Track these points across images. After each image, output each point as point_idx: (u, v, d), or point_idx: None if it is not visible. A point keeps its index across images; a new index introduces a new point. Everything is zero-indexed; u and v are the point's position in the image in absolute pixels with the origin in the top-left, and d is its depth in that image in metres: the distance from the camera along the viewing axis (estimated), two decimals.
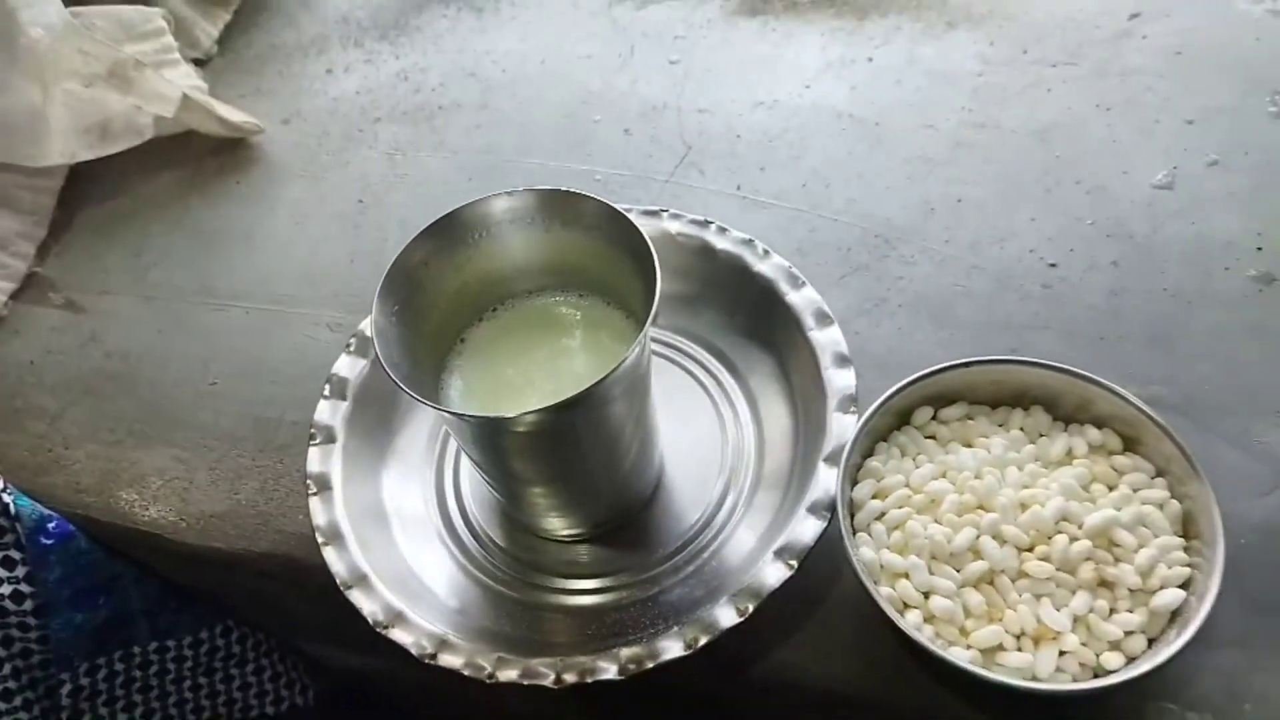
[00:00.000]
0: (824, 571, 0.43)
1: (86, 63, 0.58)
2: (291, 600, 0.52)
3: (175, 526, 0.50)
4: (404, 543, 0.46)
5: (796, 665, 0.42)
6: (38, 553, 0.50)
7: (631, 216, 0.39)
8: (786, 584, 0.41)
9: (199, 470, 0.52)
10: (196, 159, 0.66)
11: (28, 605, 0.51)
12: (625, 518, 0.47)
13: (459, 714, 0.63)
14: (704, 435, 0.49)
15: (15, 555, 0.51)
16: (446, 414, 0.37)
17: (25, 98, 0.61)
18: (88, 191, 0.65)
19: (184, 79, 0.64)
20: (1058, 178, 0.56)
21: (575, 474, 0.42)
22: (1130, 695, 0.39)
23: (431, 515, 0.48)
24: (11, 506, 0.50)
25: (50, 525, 0.51)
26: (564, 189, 0.41)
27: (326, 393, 0.49)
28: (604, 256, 0.42)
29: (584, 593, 0.45)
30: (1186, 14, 0.63)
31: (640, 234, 0.39)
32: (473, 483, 0.49)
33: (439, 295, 0.42)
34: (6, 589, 0.50)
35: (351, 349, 0.50)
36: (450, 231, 0.41)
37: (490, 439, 0.39)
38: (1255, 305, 0.50)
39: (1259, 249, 0.52)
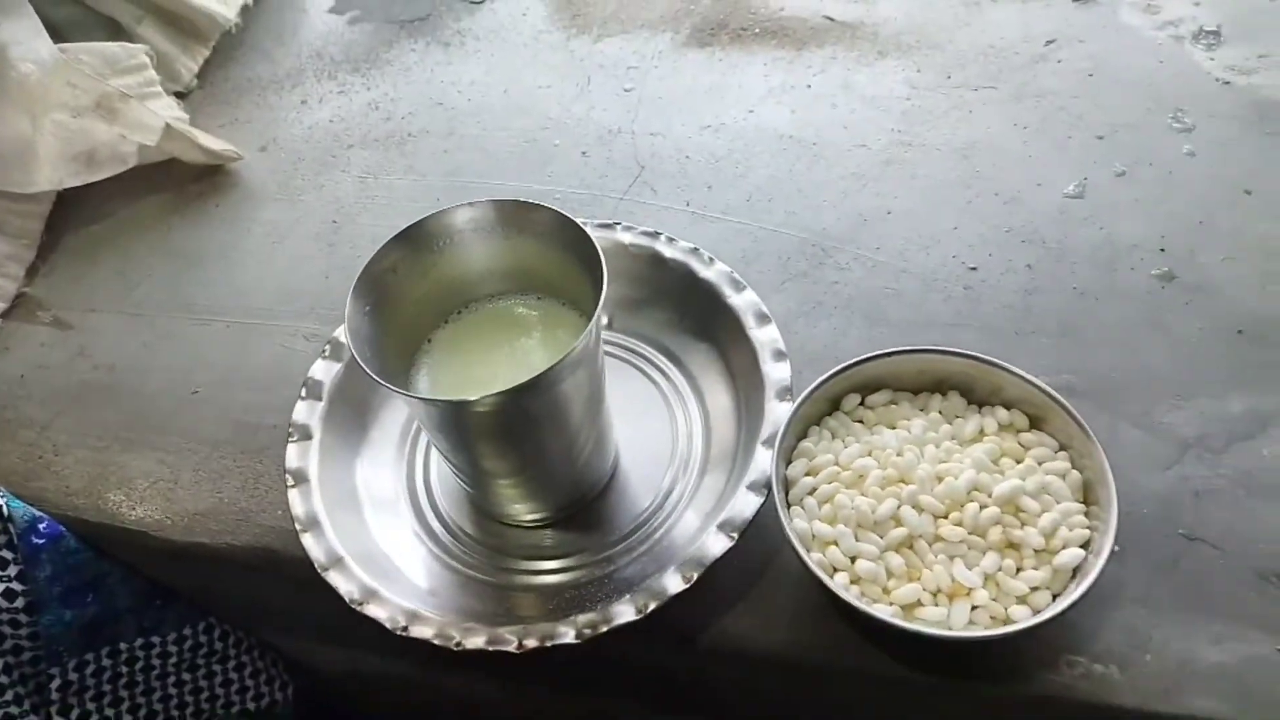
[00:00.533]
0: (764, 548, 0.47)
1: (75, 95, 0.62)
2: (271, 591, 0.55)
3: (161, 525, 0.53)
4: (377, 531, 0.50)
5: (740, 633, 0.46)
6: (29, 552, 0.53)
7: (585, 226, 0.44)
8: (729, 557, 0.45)
9: (183, 472, 0.55)
10: (178, 184, 0.70)
11: (19, 603, 0.54)
12: (583, 504, 0.50)
13: (428, 706, 0.66)
14: (655, 427, 0.53)
15: (7, 555, 0.53)
16: (415, 400, 0.41)
17: (14, 128, 0.64)
18: (73, 215, 0.69)
19: (166, 110, 0.68)
20: (978, 190, 0.61)
21: (535, 460, 0.46)
22: (1043, 649, 0.44)
23: (403, 507, 0.51)
24: (4, 508, 0.53)
25: (41, 525, 0.54)
26: (520, 200, 0.46)
27: (303, 394, 0.52)
28: (558, 261, 0.46)
29: (546, 573, 0.49)
30: (1097, 40, 0.69)
31: (588, 237, 0.43)
32: (442, 476, 0.52)
33: (407, 299, 0.46)
34: (0, 586, 0.53)
35: (326, 354, 0.54)
36: (417, 239, 0.45)
37: (455, 424, 0.43)
38: (1157, 301, 0.55)
39: (1162, 250, 0.57)
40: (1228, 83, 0.65)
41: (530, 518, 0.50)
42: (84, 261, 0.67)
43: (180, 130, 0.66)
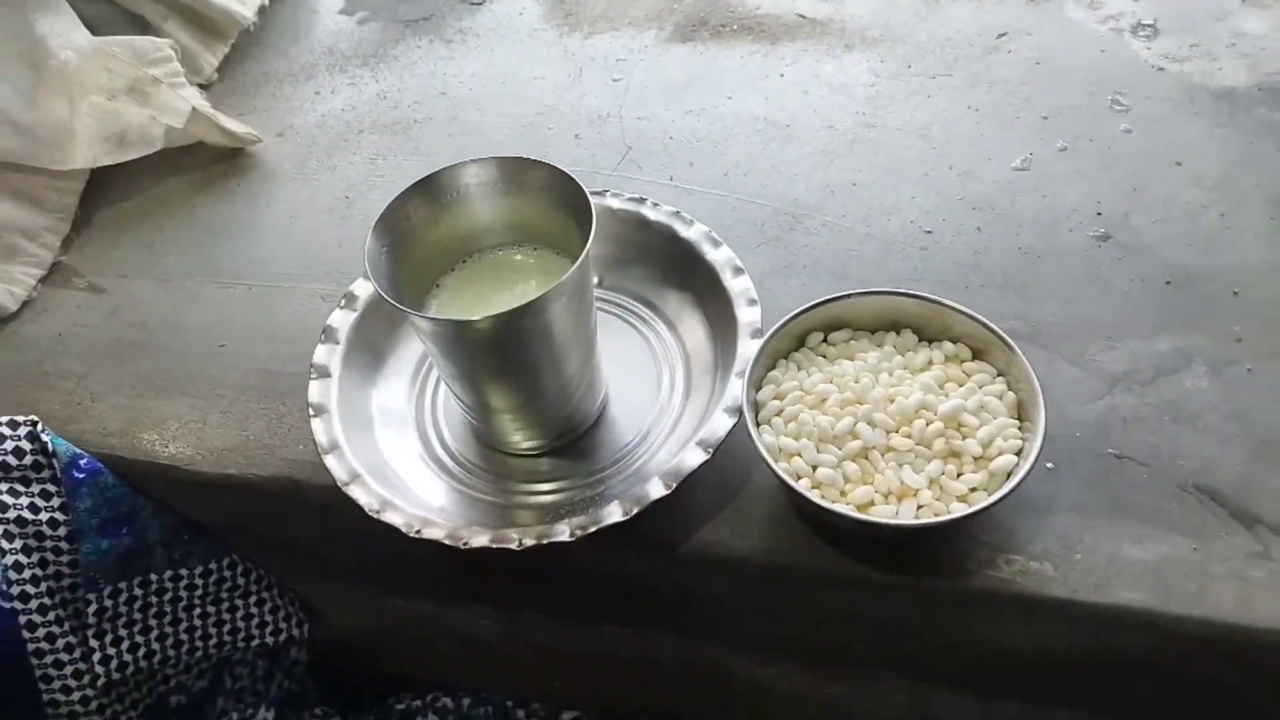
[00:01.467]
0: (738, 468, 0.53)
1: (110, 79, 0.68)
2: (292, 523, 0.60)
3: (192, 459, 0.59)
4: (390, 457, 0.55)
5: (716, 540, 0.51)
6: (70, 485, 0.59)
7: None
8: (706, 472, 0.50)
9: (211, 414, 0.60)
10: (202, 166, 0.76)
11: (61, 531, 0.59)
12: (576, 435, 0.56)
13: (431, 643, 0.72)
14: (641, 370, 0.58)
15: (51, 488, 0.59)
16: (425, 320, 0.46)
17: (52, 112, 0.70)
18: (105, 193, 0.75)
19: (191, 98, 0.74)
20: (934, 165, 0.67)
21: (531, 389, 0.51)
22: (984, 550, 0.49)
23: (414, 437, 0.57)
24: (49, 445, 0.58)
25: (82, 461, 0.59)
26: (521, 157, 0.52)
27: (322, 340, 0.58)
28: (553, 216, 0.52)
29: (543, 493, 0.54)
30: (1045, 33, 0.75)
31: (580, 188, 0.49)
32: (448, 411, 0.58)
33: (419, 245, 0.52)
34: (44, 516, 0.58)
35: (343, 305, 0.59)
36: (430, 189, 0.51)
37: (458, 346, 0.48)
38: (1094, 257, 0.61)
39: (1099, 214, 0.63)
40: (1162, 69, 0.71)
41: (528, 445, 0.55)
42: (115, 234, 0.72)
43: (205, 113, 0.72)
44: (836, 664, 0.60)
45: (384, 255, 0.49)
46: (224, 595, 0.66)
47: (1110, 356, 0.56)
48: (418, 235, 0.51)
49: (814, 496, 0.47)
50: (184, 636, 0.65)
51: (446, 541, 0.49)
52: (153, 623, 0.63)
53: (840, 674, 0.61)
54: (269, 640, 0.68)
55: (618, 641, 0.65)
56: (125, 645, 0.62)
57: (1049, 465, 0.52)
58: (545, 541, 0.48)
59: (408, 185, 0.50)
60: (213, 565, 0.64)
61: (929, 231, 0.64)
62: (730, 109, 0.74)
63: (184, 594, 0.64)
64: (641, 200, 0.62)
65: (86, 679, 0.60)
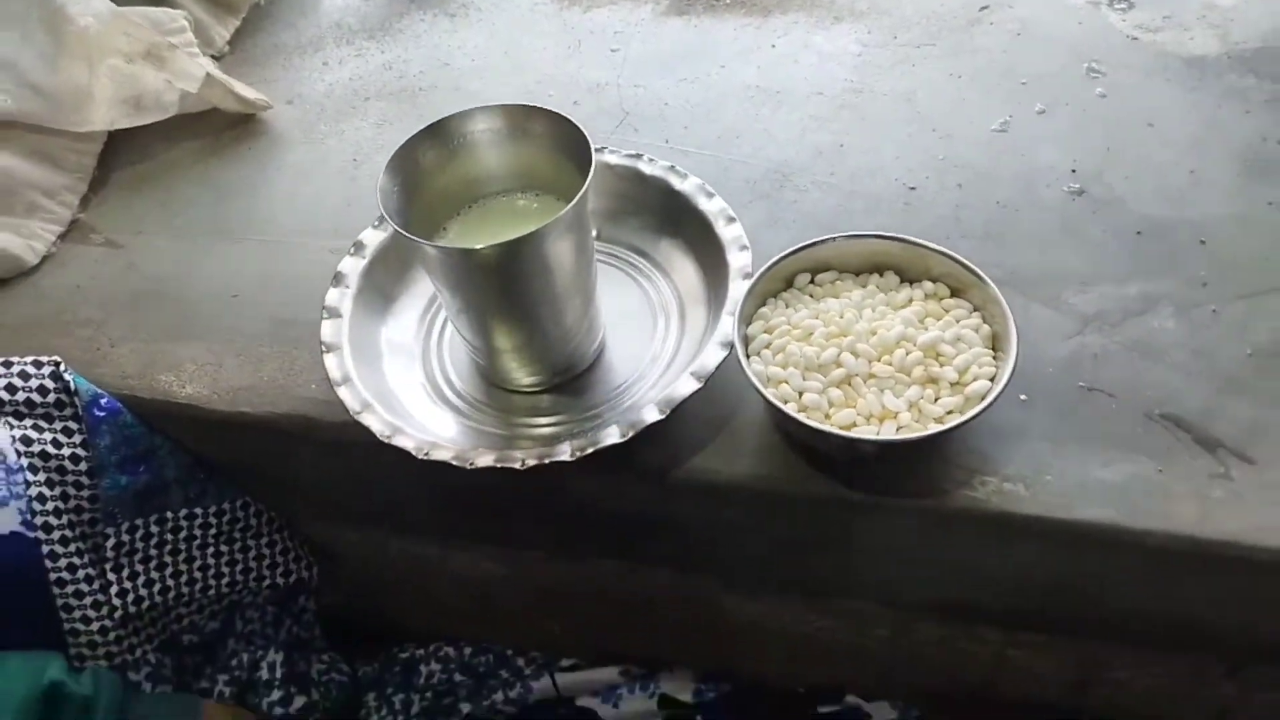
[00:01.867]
0: (728, 401, 0.56)
1: (129, 43, 0.71)
2: (303, 462, 0.63)
3: (208, 399, 0.61)
4: (398, 391, 0.58)
5: (708, 468, 0.54)
6: (92, 423, 0.61)
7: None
8: (698, 404, 0.53)
9: (226, 357, 0.63)
10: (214, 132, 0.78)
11: (83, 466, 0.61)
12: (575, 373, 0.59)
13: (436, 587, 0.74)
14: (637, 315, 0.61)
15: (73, 425, 0.61)
16: (433, 249, 0.49)
17: (72, 76, 0.73)
18: (121, 157, 0.77)
19: (205, 65, 0.77)
20: (918, 127, 0.71)
21: (532, 320, 0.54)
22: (960, 473, 0.52)
23: (421, 377, 0.60)
24: (72, 384, 0.61)
25: (102, 400, 0.62)
26: (525, 104, 0.55)
27: (334, 284, 0.61)
28: (555, 162, 0.55)
29: (544, 425, 0.57)
30: (1026, 6, 0.79)
31: (580, 131, 0.52)
32: (453, 350, 0.61)
33: (428, 189, 0.55)
34: (66, 451, 0.61)
35: (352, 252, 0.62)
36: (439, 133, 0.54)
37: (463, 276, 0.51)
38: (1069, 211, 0.64)
39: (1073, 171, 0.66)
40: (1136, 39, 0.74)
41: (529, 382, 0.58)
42: (131, 194, 0.75)
43: (218, 78, 0.75)
44: (822, 595, 0.63)
45: (395, 193, 0.52)
46: (236, 535, 0.68)
47: (1082, 299, 0.59)
48: (427, 179, 0.54)
49: (801, 418, 0.49)
50: (197, 574, 0.67)
51: (454, 462, 0.51)
52: (168, 559, 0.66)
53: (826, 607, 0.64)
54: (279, 581, 0.71)
55: (614, 579, 0.68)
56: (141, 580, 0.64)
57: (1022, 397, 0.55)
58: (547, 461, 0.51)
59: (420, 129, 0.53)
60: (226, 505, 0.67)
61: (912, 188, 0.67)
62: (724, 78, 0.77)
63: (198, 532, 0.66)
64: (638, 156, 0.65)
65: (104, 610, 0.63)
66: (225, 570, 0.68)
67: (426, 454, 0.52)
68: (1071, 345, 0.57)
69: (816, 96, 0.74)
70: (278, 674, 0.73)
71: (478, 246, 0.48)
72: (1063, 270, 0.60)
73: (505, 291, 0.52)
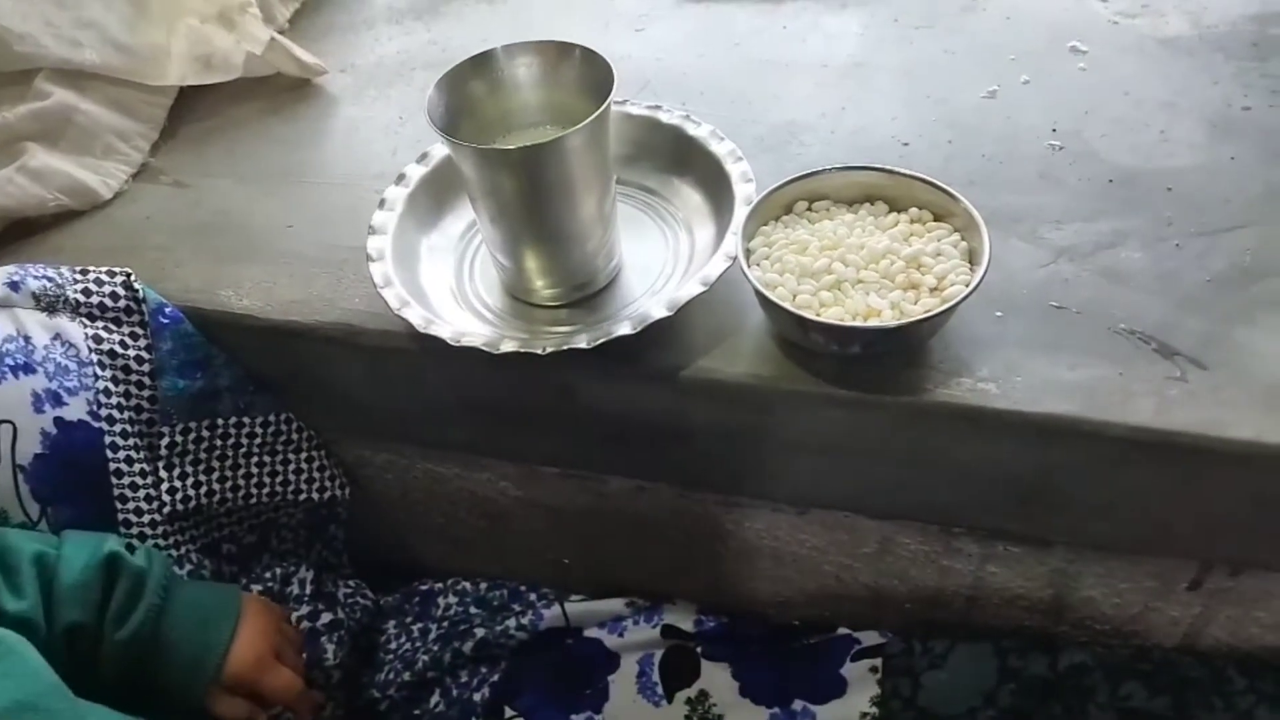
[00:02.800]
0: (732, 315, 0.62)
1: (205, 4, 0.80)
2: (347, 373, 0.69)
3: (263, 309, 0.68)
4: (434, 300, 0.64)
5: (712, 368, 0.60)
6: (156, 329, 0.68)
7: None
8: (703, 314, 0.60)
9: (281, 277, 0.70)
10: (274, 94, 0.86)
11: (145, 368, 0.68)
12: (593, 291, 0.65)
13: (450, 512, 0.80)
14: (651, 246, 0.68)
15: (139, 330, 0.68)
16: (470, 149, 0.56)
17: (150, 36, 0.81)
18: (190, 114, 0.86)
19: (269, 31, 0.85)
20: (913, 94, 0.77)
21: (555, 226, 0.60)
22: (938, 374, 0.58)
23: (453, 287, 0.66)
24: (141, 293, 0.68)
25: (166, 309, 0.68)
26: (559, 40, 0.62)
27: (379, 208, 0.67)
28: (583, 101, 0.62)
29: (563, 334, 0.63)
30: None
31: (604, 60, 0.59)
32: (483, 268, 0.67)
33: (473, 114, 0.61)
34: (132, 353, 0.68)
35: (398, 182, 0.69)
36: (484, 64, 0.61)
37: (496, 177, 0.57)
38: (1048, 162, 0.70)
39: (1054, 130, 0.72)
40: (1117, 23, 0.81)
41: (550, 294, 0.64)
42: (198, 144, 0.83)
43: (281, 43, 0.83)
44: (815, 507, 0.68)
45: (442, 111, 0.59)
46: (279, 448, 0.74)
47: (1057, 235, 0.65)
48: (472, 106, 0.61)
49: (793, 309, 0.55)
50: (241, 481, 0.73)
51: (483, 348, 0.58)
52: (215, 464, 0.72)
53: (817, 520, 0.69)
54: (315, 496, 0.77)
55: (623, 499, 0.73)
56: (190, 481, 0.70)
57: (998, 314, 0.60)
58: (565, 348, 0.57)
59: (467, 57, 0.60)
60: (271, 418, 0.73)
61: (906, 144, 0.73)
62: (737, 54, 0.84)
63: (245, 441, 0.72)
64: (657, 107, 0.72)
65: (155, 505, 0.69)
66: (266, 480, 0.74)
67: (459, 341, 0.58)
68: (1045, 272, 0.63)
69: (821, 68, 0.81)
70: (307, 590, 0.78)
71: (508, 147, 0.55)
72: (1040, 210, 0.66)
73: (532, 196, 0.58)
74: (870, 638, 0.75)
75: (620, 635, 0.81)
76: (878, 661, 0.73)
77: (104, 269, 0.68)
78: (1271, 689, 0.65)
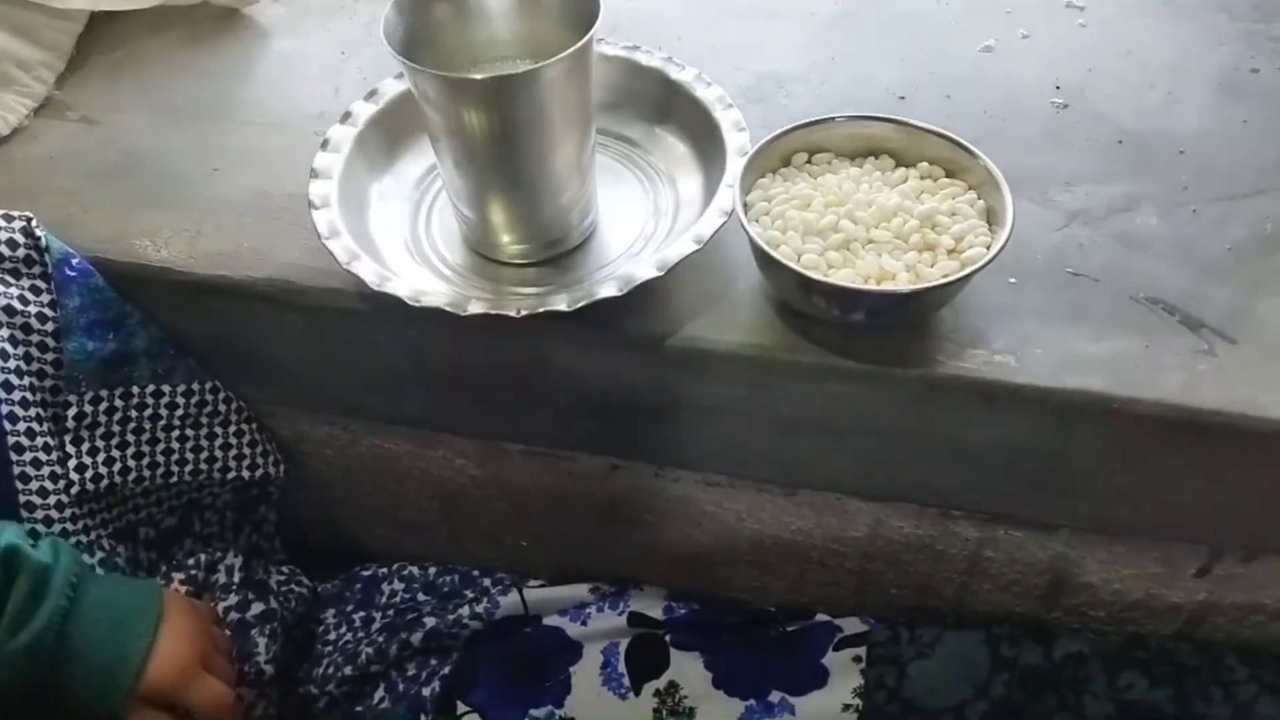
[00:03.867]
0: (724, 276, 0.56)
1: None
2: (280, 338, 0.61)
3: (185, 262, 0.59)
4: (387, 256, 0.57)
5: (703, 336, 0.54)
6: (61, 281, 0.59)
7: None
8: (694, 276, 0.54)
9: (205, 225, 0.61)
10: (198, 24, 0.77)
11: (49, 327, 0.59)
12: (565, 249, 0.58)
13: (398, 492, 0.72)
14: (632, 199, 0.61)
15: (41, 284, 0.59)
16: (432, 77, 0.48)
17: None
18: (102, 43, 0.76)
19: None
20: (908, 46, 0.72)
21: (524, 171, 0.53)
22: (953, 346, 0.53)
23: (408, 241, 0.59)
24: (44, 241, 0.59)
25: (73, 260, 0.60)
26: None
27: (323, 149, 0.59)
28: (561, 34, 0.55)
29: (533, 295, 0.56)
30: None
31: None
32: (442, 218, 0.60)
33: (437, 45, 0.54)
34: (33, 310, 0.59)
35: (344, 121, 0.61)
36: None
37: (461, 113, 0.50)
38: (1054, 122, 0.65)
39: (1057, 88, 0.68)
40: None
41: (518, 250, 0.57)
42: (110, 76, 0.73)
43: None
44: (803, 489, 0.63)
45: (400, 34, 0.51)
46: (204, 420, 0.66)
47: (1068, 197, 0.60)
48: (436, 34, 0.54)
49: (799, 267, 0.49)
50: (160, 458, 0.65)
51: (447, 308, 0.51)
52: (130, 437, 0.63)
53: (805, 502, 0.64)
54: (245, 474, 0.69)
55: (592, 479, 0.67)
56: (101, 457, 0.62)
57: (1011, 280, 0.56)
58: (541, 311, 0.50)
59: None
60: (195, 387, 0.65)
61: (902, 98, 0.68)
62: None
63: (164, 412, 0.64)
64: (635, 48, 0.65)
65: (61, 484, 0.60)
66: (189, 457, 0.66)
67: (419, 301, 0.51)
68: (1058, 237, 0.58)
69: (811, 16, 0.75)
70: (235, 578, 0.70)
71: (476, 76, 0.47)
72: (1048, 171, 0.62)
73: (503, 136, 0.51)
74: (852, 625, 0.71)
75: (583, 623, 0.75)
76: (861, 650, 0.68)
77: (0, 212, 0.58)
78: (1273, 679, 0.62)
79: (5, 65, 0.69)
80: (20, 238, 0.58)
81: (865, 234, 0.52)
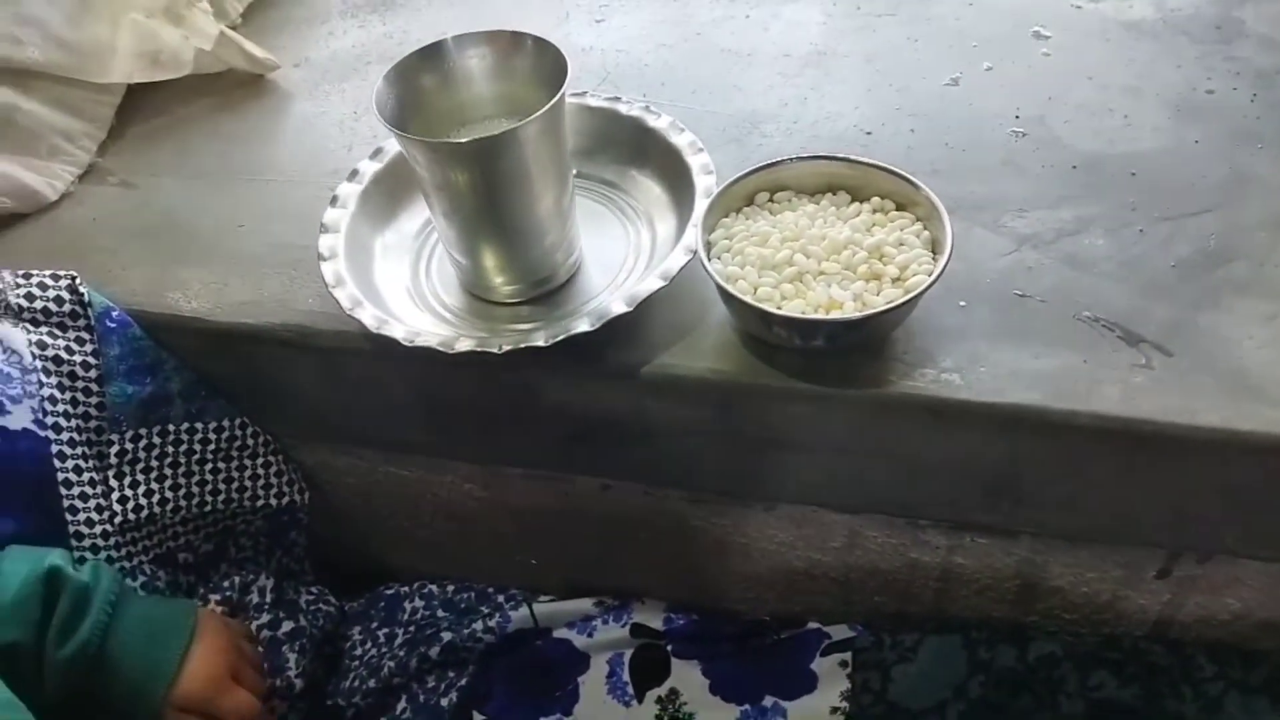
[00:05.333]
0: (693, 311, 0.61)
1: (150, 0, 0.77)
2: (300, 376, 0.67)
3: (212, 312, 0.66)
4: (389, 299, 0.63)
5: (674, 364, 0.59)
6: (102, 333, 0.66)
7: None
8: (664, 309, 0.59)
9: (230, 277, 0.68)
10: (225, 91, 0.84)
11: (92, 374, 0.66)
12: (552, 287, 0.64)
13: (413, 514, 0.78)
14: (612, 238, 0.66)
15: (85, 335, 0.66)
16: (421, 143, 0.54)
17: (95, 32, 0.79)
18: (138, 114, 0.83)
19: (219, 25, 0.83)
20: (876, 82, 0.76)
21: (511, 221, 0.59)
22: (903, 366, 0.57)
23: (409, 287, 0.65)
24: (86, 296, 0.66)
25: (113, 313, 0.66)
26: (510, 30, 0.60)
27: (332, 205, 0.66)
28: (538, 93, 0.60)
29: (522, 331, 0.61)
30: None
31: (558, 51, 0.57)
32: (441, 265, 0.66)
33: (425, 108, 0.60)
34: (78, 358, 0.65)
35: (351, 178, 0.67)
36: (434, 55, 0.60)
37: (449, 171, 0.56)
38: (1011, 149, 0.69)
39: (1016, 117, 0.72)
40: (1080, 8, 0.80)
41: (508, 290, 0.63)
42: (146, 143, 0.81)
43: (231, 37, 0.80)
44: (781, 503, 0.67)
45: (391, 104, 0.57)
46: (234, 453, 0.72)
47: (1020, 223, 0.64)
48: (424, 99, 0.60)
49: (754, 302, 0.54)
50: (195, 489, 0.71)
51: (438, 347, 0.56)
52: (168, 471, 0.70)
53: (784, 515, 0.68)
54: (273, 502, 0.75)
55: (589, 499, 0.72)
56: (142, 490, 0.68)
57: (961, 303, 0.60)
58: (522, 346, 0.55)
59: (417, 48, 0.59)
60: (225, 423, 0.71)
61: (869, 133, 0.72)
62: (699, 43, 0.83)
63: (198, 447, 0.70)
64: (616, 99, 0.70)
65: (106, 515, 0.67)
66: (222, 487, 0.72)
67: (413, 341, 0.56)
68: (1008, 261, 0.62)
69: (784, 58, 0.80)
70: (267, 598, 0.77)
71: (461, 139, 0.53)
72: (1003, 198, 0.66)
73: (487, 190, 0.56)
74: (840, 631, 0.74)
75: (589, 635, 0.80)
76: (847, 656, 0.72)
77: (48, 272, 0.65)
78: (1240, 676, 0.64)
79: (54, 138, 0.77)
80: (66, 294, 0.65)
81: (817, 266, 0.56)
